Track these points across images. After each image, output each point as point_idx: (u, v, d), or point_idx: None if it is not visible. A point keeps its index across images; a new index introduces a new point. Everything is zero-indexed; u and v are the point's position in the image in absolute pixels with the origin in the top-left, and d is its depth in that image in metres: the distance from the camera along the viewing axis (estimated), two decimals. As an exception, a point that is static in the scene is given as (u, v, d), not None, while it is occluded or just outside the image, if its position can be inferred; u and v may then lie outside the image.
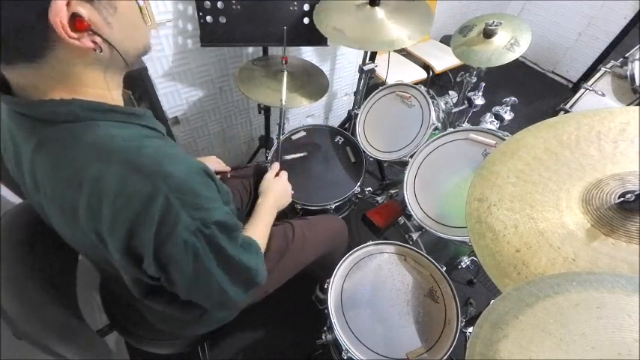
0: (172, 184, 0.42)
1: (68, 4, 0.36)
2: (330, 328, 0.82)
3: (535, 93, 2.56)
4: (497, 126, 1.15)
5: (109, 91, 0.47)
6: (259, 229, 0.75)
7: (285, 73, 1.04)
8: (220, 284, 0.52)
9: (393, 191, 1.18)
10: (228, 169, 1.01)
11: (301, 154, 1.25)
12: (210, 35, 1.09)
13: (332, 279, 0.85)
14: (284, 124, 1.04)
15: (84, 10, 0.38)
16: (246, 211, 1.09)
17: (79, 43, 0.38)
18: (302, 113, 1.89)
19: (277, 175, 0.94)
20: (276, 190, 0.87)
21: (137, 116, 0.48)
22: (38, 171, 0.45)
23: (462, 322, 0.79)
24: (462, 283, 1.46)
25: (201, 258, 0.47)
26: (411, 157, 1.04)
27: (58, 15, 0.35)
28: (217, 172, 1.00)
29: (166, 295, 0.54)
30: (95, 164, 0.41)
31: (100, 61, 0.44)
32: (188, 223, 0.44)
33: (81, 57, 0.41)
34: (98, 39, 0.40)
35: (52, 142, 0.43)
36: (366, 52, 1.39)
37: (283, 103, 1.00)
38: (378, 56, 1.50)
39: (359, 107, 1.39)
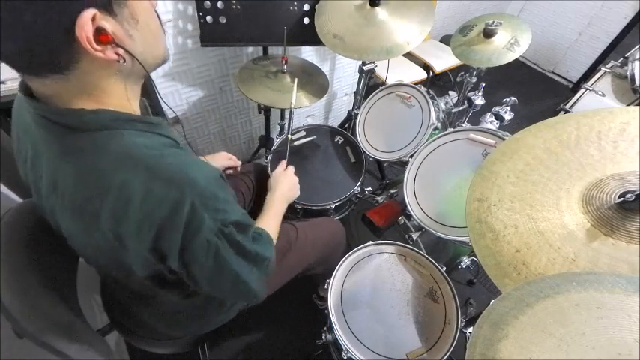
0: (197, 190, 0.45)
1: (93, 19, 0.37)
2: (330, 328, 0.82)
3: (535, 93, 2.55)
4: (497, 126, 1.15)
5: (128, 101, 0.49)
6: (270, 222, 0.78)
7: (296, 82, 1.05)
8: (240, 275, 0.55)
9: (393, 191, 1.18)
10: (239, 163, 1.03)
11: (310, 138, 1.25)
12: (210, 35, 1.09)
13: (332, 279, 0.85)
14: (291, 124, 1.06)
15: (108, 24, 0.39)
16: (249, 209, 1.09)
17: (104, 56, 0.40)
18: (302, 113, 1.89)
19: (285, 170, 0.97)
20: (284, 183, 0.90)
21: (155, 125, 0.50)
22: (60, 175, 0.45)
23: (462, 322, 0.79)
24: (462, 283, 1.46)
25: (222, 254, 0.51)
26: (411, 157, 1.04)
27: (84, 29, 0.37)
28: (229, 168, 1.02)
29: (180, 287, 0.57)
30: (121, 171, 0.43)
31: (122, 72, 0.45)
32: (211, 225, 0.47)
33: (104, 68, 0.43)
34: (121, 50, 0.42)
35: (79, 150, 0.44)
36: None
37: (293, 103, 1.02)
38: (378, 56, 1.50)
39: (359, 107, 1.39)
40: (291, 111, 1.04)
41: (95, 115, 0.44)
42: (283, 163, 0.98)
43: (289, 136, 1.06)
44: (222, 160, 1.00)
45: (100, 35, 0.38)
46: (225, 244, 0.50)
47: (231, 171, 1.04)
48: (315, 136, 1.27)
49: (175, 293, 0.61)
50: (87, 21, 0.36)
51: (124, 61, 0.43)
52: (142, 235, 0.44)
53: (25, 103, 0.46)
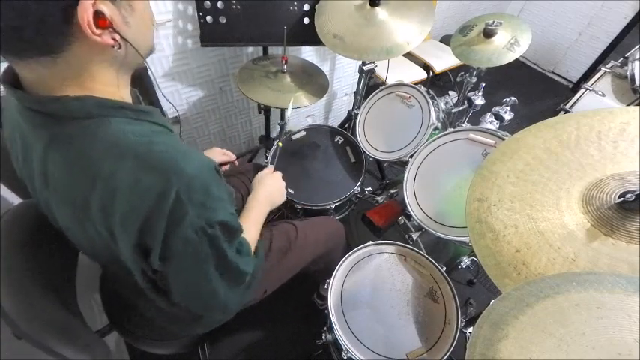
0: (184, 181, 0.42)
1: (93, 2, 0.37)
2: (330, 328, 0.82)
3: (535, 93, 2.55)
4: (497, 126, 1.15)
5: (118, 88, 0.48)
6: (250, 228, 0.72)
7: (292, 102, 1.02)
8: (214, 286, 0.52)
9: (393, 191, 1.18)
10: (234, 157, 0.99)
11: (307, 126, 1.29)
12: (210, 35, 1.09)
13: (332, 279, 0.85)
14: (283, 132, 1.04)
15: (106, 9, 0.39)
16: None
17: (101, 40, 0.39)
18: (302, 113, 1.89)
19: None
20: (268, 185, 0.84)
21: (146, 113, 0.48)
22: (50, 167, 0.45)
23: (462, 322, 0.79)
24: (462, 283, 1.46)
25: (200, 257, 0.48)
26: (411, 157, 1.04)
27: (87, 12, 0.36)
28: (224, 163, 0.99)
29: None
30: (109, 160, 0.42)
31: (115, 59, 0.45)
32: (193, 221, 0.44)
33: (98, 54, 0.42)
34: (117, 36, 0.41)
35: (65, 139, 0.43)
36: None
37: (288, 115, 0.99)
38: (378, 56, 1.50)
39: (359, 107, 1.39)
40: (284, 124, 1.03)
41: (79, 102, 0.42)
42: (270, 167, 0.92)
43: (279, 143, 1.03)
44: (215, 155, 0.97)
45: (99, 19, 0.38)
46: (205, 246, 0.47)
47: (227, 167, 1.00)
48: (312, 138, 1.27)
49: (166, 298, 0.55)
50: (89, 4, 0.36)
51: (119, 47, 0.42)
52: (128, 227, 0.43)
53: (9, 95, 0.45)
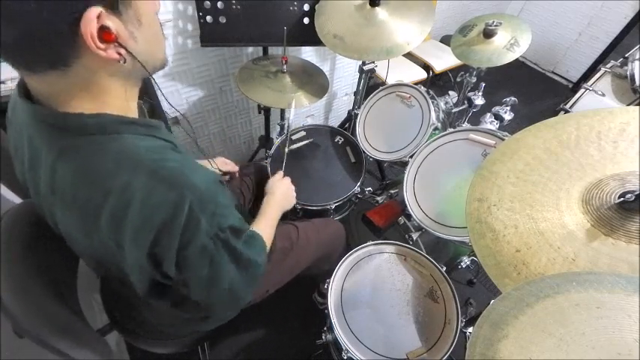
0: (195, 193, 0.44)
1: (98, 17, 0.37)
2: (330, 328, 0.82)
3: (535, 93, 2.55)
4: (497, 126, 1.15)
5: (126, 101, 0.48)
6: (265, 227, 0.78)
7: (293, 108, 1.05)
8: (232, 283, 0.54)
9: (393, 191, 1.18)
10: (236, 168, 1.02)
11: (307, 141, 1.27)
12: (210, 35, 1.09)
13: (332, 279, 0.85)
14: (287, 139, 1.06)
15: (112, 24, 0.39)
16: (249, 208, 1.09)
17: (105, 54, 0.40)
18: (302, 113, 1.89)
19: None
20: (281, 189, 0.91)
21: (154, 128, 0.49)
22: (59, 176, 0.45)
23: (462, 322, 0.79)
24: (462, 283, 1.46)
25: (217, 260, 0.50)
26: (411, 157, 1.04)
27: (89, 26, 0.36)
28: (226, 173, 1.01)
29: (171, 295, 0.56)
30: (122, 174, 0.42)
31: (122, 72, 0.45)
32: (207, 229, 0.46)
33: (104, 67, 0.43)
34: (123, 51, 0.42)
35: (79, 152, 0.44)
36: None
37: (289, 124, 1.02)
38: (378, 56, 1.50)
39: (359, 107, 1.39)
40: (288, 130, 1.06)
41: (96, 119, 0.43)
42: (280, 172, 0.98)
43: (285, 149, 1.07)
44: (218, 164, 0.98)
45: (104, 33, 0.38)
46: (220, 250, 0.50)
47: (227, 177, 1.03)
48: (312, 139, 1.28)
49: (165, 302, 0.57)
50: (93, 18, 0.36)
51: (125, 61, 0.42)
52: (140, 239, 0.43)
53: (21, 105, 0.45)
